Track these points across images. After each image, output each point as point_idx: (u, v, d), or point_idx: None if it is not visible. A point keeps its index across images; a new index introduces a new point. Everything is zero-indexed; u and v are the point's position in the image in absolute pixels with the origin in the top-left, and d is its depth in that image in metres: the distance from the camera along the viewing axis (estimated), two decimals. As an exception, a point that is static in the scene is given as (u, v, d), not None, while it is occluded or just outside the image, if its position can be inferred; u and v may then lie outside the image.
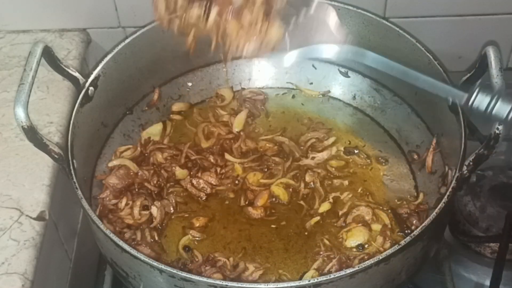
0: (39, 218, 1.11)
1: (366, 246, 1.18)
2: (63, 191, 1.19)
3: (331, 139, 1.34)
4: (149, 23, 1.29)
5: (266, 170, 1.29)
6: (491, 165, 1.35)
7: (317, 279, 0.95)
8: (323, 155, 1.31)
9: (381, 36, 1.29)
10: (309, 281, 0.95)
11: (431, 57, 1.20)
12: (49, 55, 1.11)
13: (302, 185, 1.26)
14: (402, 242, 0.99)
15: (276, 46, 0.96)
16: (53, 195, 1.15)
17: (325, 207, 1.24)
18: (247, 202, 1.25)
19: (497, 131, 0.99)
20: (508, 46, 1.49)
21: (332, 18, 0.97)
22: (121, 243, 1.00)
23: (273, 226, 1.22)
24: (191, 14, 0.94)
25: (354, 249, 1.18)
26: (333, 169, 1.30)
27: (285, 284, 0.94)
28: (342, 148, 1.33)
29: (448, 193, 1.04)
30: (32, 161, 1.18)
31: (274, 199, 1.25)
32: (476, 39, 1.45)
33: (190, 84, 1.42)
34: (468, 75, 1.12)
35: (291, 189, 1.26)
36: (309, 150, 1.32)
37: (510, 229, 1.20)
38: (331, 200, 1.25)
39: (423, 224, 1.01)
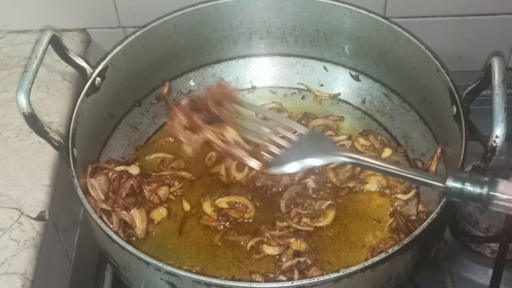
0: (39, 218, 1.11)
1: None
2: (63, 191, 1.19)
3: (342, 137, 1.34)
4: (150, 22, 1.28)
5: None
6: (491, 165, 1.35)
7: (300, 281, 0.94)
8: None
9: (391, 42, 1.28)
10: (292, 283, 0.94)
11: (439, 64, 1.19)
12: (57, 44, 1.10)
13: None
14: (403, 242, 0.99)
15: None
16: (53, 195, 1.15)
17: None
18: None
19: (494, 144, 0.99)
20: (508, 46, 1.49)
21: None
22: (121, 242, 1.00)
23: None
24: None
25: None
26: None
27: (281, 284, 0.94)
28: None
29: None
30: (32, 161, 1.18)
31: None
32: (476, 39, 1.45)
33: (200, 79, 1.42)
34: (474, 85, 1.12)
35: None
36: None
37: (510, 229, 1.20)
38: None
39: (423, 224, 1.01)
